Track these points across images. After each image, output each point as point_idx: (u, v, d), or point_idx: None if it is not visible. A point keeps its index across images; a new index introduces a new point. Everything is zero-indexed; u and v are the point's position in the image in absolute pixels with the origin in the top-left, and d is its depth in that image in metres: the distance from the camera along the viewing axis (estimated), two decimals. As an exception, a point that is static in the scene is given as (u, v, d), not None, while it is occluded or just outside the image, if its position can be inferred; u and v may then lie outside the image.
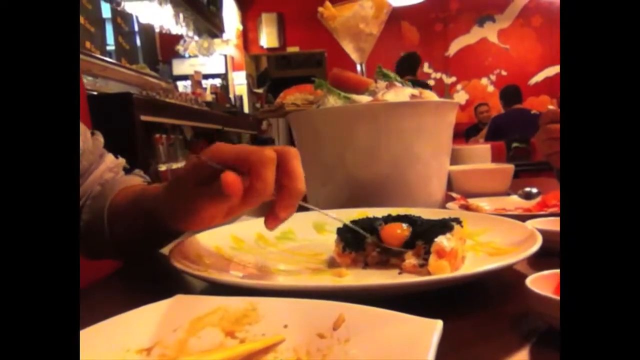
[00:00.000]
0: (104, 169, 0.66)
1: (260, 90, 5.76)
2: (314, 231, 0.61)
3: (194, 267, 0.43)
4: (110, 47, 3.61)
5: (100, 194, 0.64)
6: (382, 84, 0.78)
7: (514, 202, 0.83)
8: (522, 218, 0.55)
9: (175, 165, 2.75)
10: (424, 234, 0.45)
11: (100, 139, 0.68)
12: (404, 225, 0.48)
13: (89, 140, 0.66)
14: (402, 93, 0.76)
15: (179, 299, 0.32)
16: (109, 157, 0.68)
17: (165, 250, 0.53)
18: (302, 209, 0.48)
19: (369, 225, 0.49)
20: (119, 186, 0.64)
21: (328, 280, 0.45)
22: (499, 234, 0.51)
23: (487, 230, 0.54)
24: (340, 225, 0.51)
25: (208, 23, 4.54)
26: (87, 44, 3.11)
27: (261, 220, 0.59)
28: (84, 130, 0.66)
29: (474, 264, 0.46)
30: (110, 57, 3.34)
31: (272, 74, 6.07)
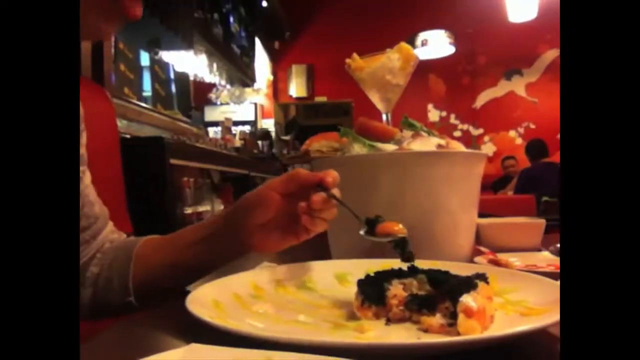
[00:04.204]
0: (109, 230, 0.74)
1: (287, 138, 5.87)
2: (335, 281, 0.59)
3: (210, 314, 0.42)
4: (147, 93, 3.78)
5: (114, 249, 0.70)
6: (407, 133, 0.78)
7: (546, 258, 0.79)
8: (555, 276, 0.52)
9: (201, 208, 2.77)
10: (448, 292, 0.43)
11: (105, 210, 0.74)
12: (401, 225, 0.52)
13: (104, 207, 0.74)
14: (428, 142, 0.75)
15: (194, 349, 0.31)
16: (110, 224, 0.75)
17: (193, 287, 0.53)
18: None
19: (390, 273, 0.49)
20: (140, 240, 0.69)
21: (349, 336, 0.43)
22: (531, 293, 0.49)
23: (518, 288, 0.51)
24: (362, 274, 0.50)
25: (240, 73, 4.71)
26: (126, 90, 3.26)
27: (281, 267, 0.58)
28: (96, 199, 0.73)
29: (504, 324, 0.43)
30: (146, 103, 3.49)
31: (300, 122, 6.19)
